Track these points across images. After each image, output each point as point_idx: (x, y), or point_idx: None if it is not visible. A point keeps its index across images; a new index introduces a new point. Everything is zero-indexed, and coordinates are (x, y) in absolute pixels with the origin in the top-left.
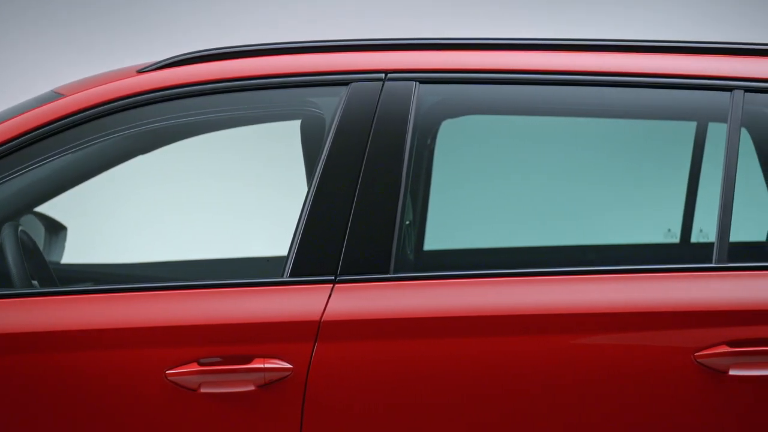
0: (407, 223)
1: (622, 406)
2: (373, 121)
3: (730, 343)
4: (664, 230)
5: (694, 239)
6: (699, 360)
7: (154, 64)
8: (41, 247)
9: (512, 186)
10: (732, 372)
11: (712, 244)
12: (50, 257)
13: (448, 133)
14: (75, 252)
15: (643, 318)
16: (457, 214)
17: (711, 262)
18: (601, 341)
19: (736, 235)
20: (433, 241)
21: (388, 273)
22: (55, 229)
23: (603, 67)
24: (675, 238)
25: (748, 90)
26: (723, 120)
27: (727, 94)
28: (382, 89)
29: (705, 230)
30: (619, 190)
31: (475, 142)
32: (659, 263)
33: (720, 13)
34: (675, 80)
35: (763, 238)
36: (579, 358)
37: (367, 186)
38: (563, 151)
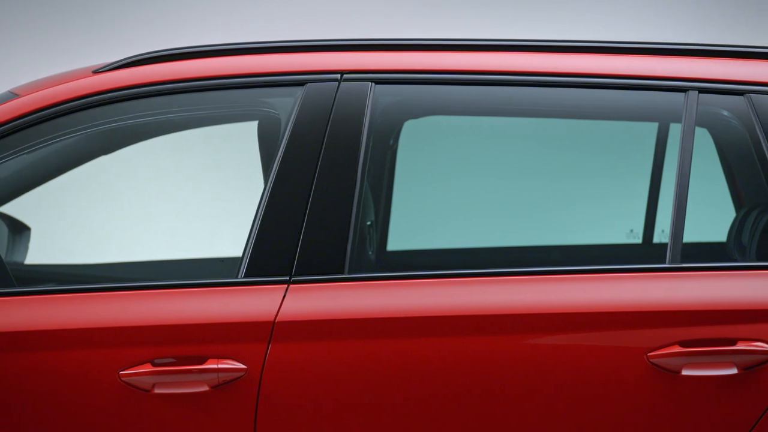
0: (368, 223)
1: (576, 405)
2: (328, 122)
3: (683, 343)
4: (627, 231)
5: (656, 240)
6: (652, 360)
7: (110, 64)
8: (5, 248)
9: (476, 187)
10: (684, 372)
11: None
12: (14, 258)
13: (411, 133)
14: (39, 252)
15: (597, 318)
16: (421, 214)
17: (665, 263)
18: (554, 341)
19: (699, 235)
20: (396, 242)
21: (342, 273)
22: (19, 230)
23: (559, 68)
24: (638, 239)
25: (702, 91)
26: (679, 120)
27: (682, 94)
28: (337, 90)
29: (667, 231)
30: (584, 191)
31: (439, 142)
32: (622, 264)
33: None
34: (630, 81)
35: (724, 238)
36: (533, 358)
37: (322, 186)
38: (527, 152)
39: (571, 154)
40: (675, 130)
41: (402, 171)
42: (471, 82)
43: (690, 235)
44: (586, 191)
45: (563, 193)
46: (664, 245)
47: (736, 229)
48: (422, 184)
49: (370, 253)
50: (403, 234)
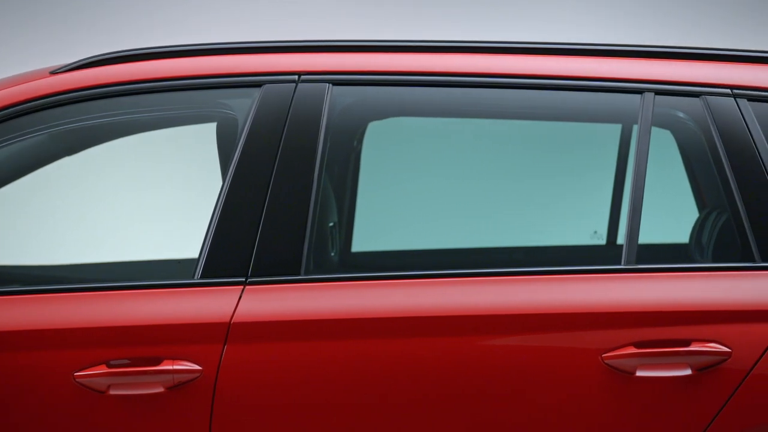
0: (331, 224)
1: (531, 406)
2: (285, 123)
3: (637, 344)
4: (591, 232)
5: (620, 241)
6: (607, 361)
7: (68, 65)
8: None
9: (442, 188)
10: (639, 373)
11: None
12: None
13: (376, 135)
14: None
15: (552, 319)
16: (387, 215)
17: (621, 264)
18: (510, 342)
19: (661, 236)
20: (361, 243)
21: (299, 274)
22: None
23: (515, 70)
24: (602, 240)
25: (658, 92)
26: (636, 122)
27: (638, 96)
28: (295, 91)
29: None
30: (549, 192)
31: (404, 144)
32: (586, 265)
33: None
34: (588, 83)
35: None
36: (488, 359)
37: (279, 188)
38: (492, 154)
39: (536, 155)
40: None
41: (367, 172)
42: (430, 84)
43: (661, 237)
44: (551, 192)
45: (528, 195)
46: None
47: (696, 230)
48: (388, 185)
49: (332, 254)
50: (369, 235)
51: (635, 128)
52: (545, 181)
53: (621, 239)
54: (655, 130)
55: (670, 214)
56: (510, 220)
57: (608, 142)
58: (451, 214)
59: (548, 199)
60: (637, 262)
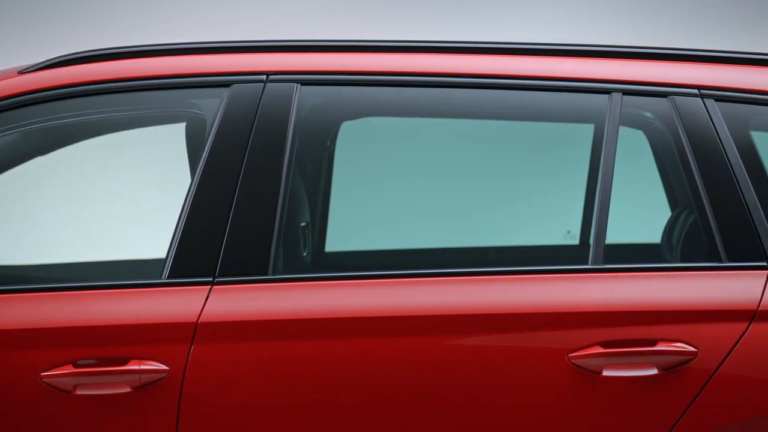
0: (303, 224)
1: (497, 406)
2: (253, 123)
3: (604, 344)
4: (564, 232)
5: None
6: (573, 361)
7: (36, 65)
8: None
9: (416, 188)
10: (605, 372)
11: (609, 245)
12: None
13: (350, 135)
14: None
15: (519, 319)
16: (361, 215)
17: (588, 263)
18: (476, 342)
19: (637, 236)
20: (335, 243)
21: (266, 274)
22: None
23: (483, 70)
24: (575, 240)
25: (626, 93)
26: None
27: (606, 96)
28: (263, 91)
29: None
30: (522, 192)
31: (378, 143)
32: (560, 265)
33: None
34: (558, 83)
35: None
36: (454, 359)
37: (247, 188)
38: (467, 154)
39: (510, 155)
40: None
41: (340, 172)
42: (399, 84)
43: (638, 237)
44: (524, 192)
45: (502, 195)
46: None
47: (667, 230)
48: (362, 185)
49: (305, 254)
50: (342, 235)
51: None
52: (519, 181)
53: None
54: (627, 130)
55: (646, 214)
56: (484, 220)
57: (582, 142)
58: (425, 214)
59: (522, 199)
60: (606, 262)
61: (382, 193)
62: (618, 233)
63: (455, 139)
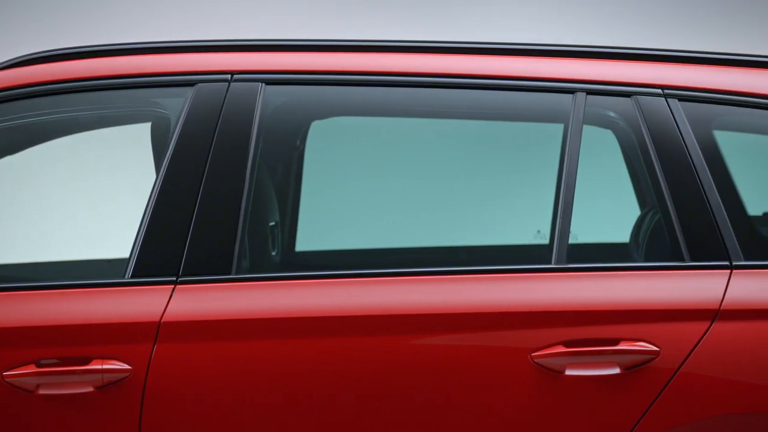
0: (272, 224)
1: (460, 406)
2: (217, 122)
3: (567, 343)
4: (534, 232)
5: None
6: (536, 360)
7: (1, 63)
8: None
9: (387, 187)
10: (568, 372)
11: (578, 245)
12: None
13: (320, 134)
14: None
15: (482, 318)
16: (332, 215)
17: (550, 263)
18: (439, 342)
19: (605, 235)
20: (305, 242)
21: (229, 274)
22: None
23: (447, 69)
24: (545, 240)
25: (590, 92)
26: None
27: (570, 96)
28: (227, 90)
29: (574, 232)
30: (493, 192)
31: (348, 143)
32: (529, 264)
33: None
34: (521, 83)
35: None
36: (418, 359)
37: (210, 187)
38: (439, 153)
39: (481, 155)
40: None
41: (311, 172)
42: (364, 83)
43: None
44: (495, 192)
45: (473, 194)
46: (570, 246)
47: (635, 229)
48: (332, 184)
49: (274, 253)
50: (313, 235)
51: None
52: (490, 181)
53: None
54: (597, 129)
55: (618, 213)
56: (455, 219)
57: (552, 141)
58: (396, 213)
59: (493, 199)
60: (569, 261)
61: (352, 193)
62: (591, 232)
63: (426, 138)
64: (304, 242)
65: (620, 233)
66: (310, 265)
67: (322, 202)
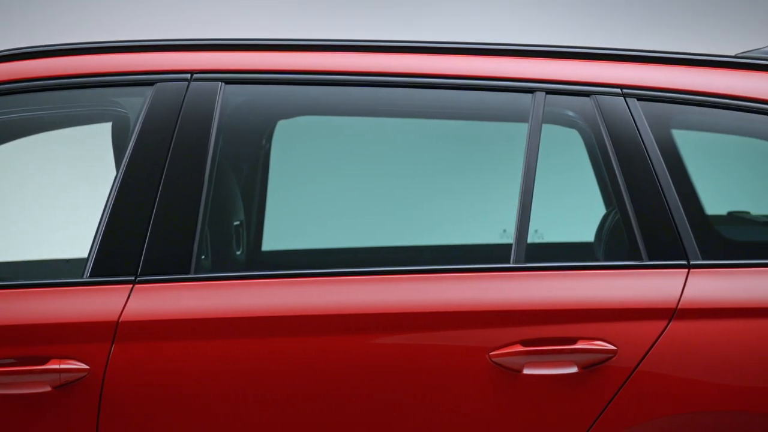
0: (237, 223)
1: (419, 405)
2: (177, 122)
3: (524, 342)
4: (500, 231)
5: (529, 240)
6: (494, 359)
7: None
8: None
9: (355, 187)
10: (526, 371)
11: (544, 244)
12: None
13: (286, 133)
14: None
15: (440, 318)
16: (299, 214)
17: (509, 262)
18: (398, 341)
19: (567, 235)
20: (271, 242)
21: (188, 273)
22: None
23: (407, 69)
24: (510, 239)
25: (549, 92)
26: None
27: (529, 95)
28: (187, 89)
29: (539, 231)
30: (460, 191)
31: (315, 142)
32: (495, 263)
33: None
34: (480, 82)
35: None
36: (376, 358)
37: (169, 186)
38: (406, 153)
39: (448, 154)
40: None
41: (277, 171)
42: (323, 83)
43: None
44: (462, 191)
45: (439, 193)
46: (536, 245)
47: (598, 229)
48: (299, 183)
49: (239, 253)
50: (279, 234)
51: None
52: (456, 180)
53: (530, 238)
54: (563, 129)
55: (585, 212)
56: (421, 218)
57: (517, 141)
58: (365, 213)
59: (459, 198)
60: (528, 260)
61: (319, 192)
62: (559, 231)
63: (392, 138)
64: (271, 242)
65: (588, 232)
66: (277, 265)
67: (289, 201)
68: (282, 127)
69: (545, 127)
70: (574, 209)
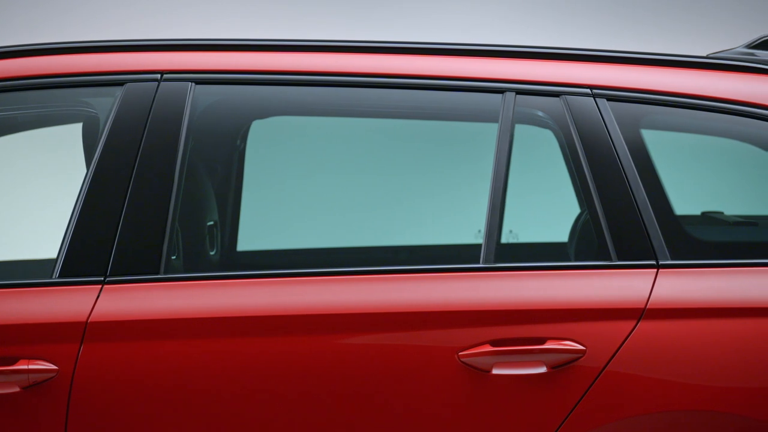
0: (211, 223)
1: (388, 405)
2: (146, 122)
3: (493, 342)
4: (475, 231)
5: (504, 240)
6: (463, 359)
7: None
8: None
9: (331, 187)
10: (495, 371)
11: (519, 244)
12: None
13: (261, 133)
14: None
15: (410, 318)
16: (274, 214)
17: (479, 263)
18: (367, 341)
19: (543, 235)
20: (246, 242)
21: (158, 273)
22: None
23: (376, 69)
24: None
25: (519, 92)
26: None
27: (500, 96)
28: (157, 90)
29: (514, 231)
30: (435, 191)
31: (290, 142)
32: (471, 263)
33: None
34: (451, 82)
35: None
36: (346, 358)
37: (139, 187)
38: (384, 153)
39: (422, 154)
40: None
41: (252, 171)
42: (292, 83)
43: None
44: (437, 191)
45: (414, 193)
46: (511, 245)
47: (571, 229)
48: (274, 184)
49: (212, 253)
50: (255, 234)
51: (517, 127)
52: (430, 180)
53: (504, 238)
54: (538, 130)
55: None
56: (396, 218)
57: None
58: (340, 213)
59: (435, 198)
60: (497, 261)
61: (296, 192)
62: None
63: (370, 138)
64: (246, 242)
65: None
66: (252, 265)
67: (264, 201)
68: (257, 128)
69: (522, 127)
70: (549, 210)
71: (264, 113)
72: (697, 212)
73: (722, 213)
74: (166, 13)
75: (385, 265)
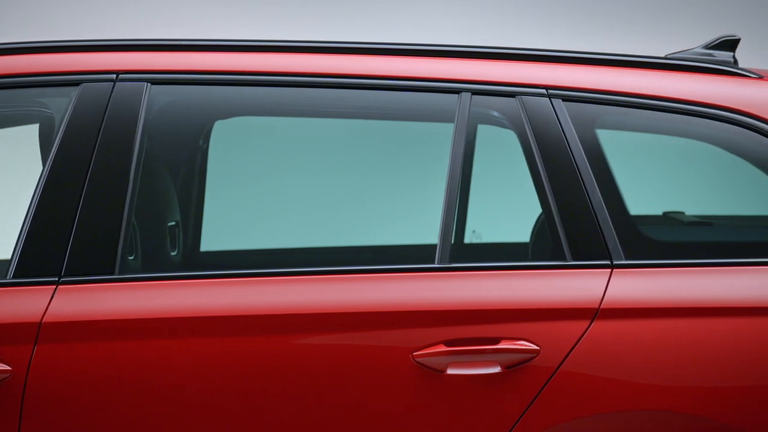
0: (172, 224)
1: (342, 405)
2: (102, 122)
3: (448, 343)
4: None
5: (467, 240)
6: (417, 359)
7: None
8: None
9: (292, 187)
10: (449, 371)
11: (482, 244)
12: None
13: (224, 133)
14: None
15: (364, 318)
16: (239, 215)
17: (434, 263)
18: (321, 341)
19: (505, 235)
20: (210, 243)
21: (113, 274)
22: None
23: (331, 69)
24: (479, 239)
25: (475, 92)
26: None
27: (456, 96)
28: (112, 90)
29: (478, 231)
30: (399, 191)
31: (253, 143)
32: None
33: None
34: (407, 83)
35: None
36: (299, 358)
37: (94, 187)
38: (348, 153)
39: (385, 154)
40: (481, 131)
41: (216, 172)
42: (248, 83)
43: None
44: (400, 191)
45: (377, 193)
46: (474, 245)
47: (532, 230)
48: (238, 184)
49: (174, 253)
50: (218, 235)
51: (479, 128)
52: (393, 180)
53: (468, 238)
54: (499, 130)
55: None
56: (359, 219)
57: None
58: (307, 213)
59: (395, 198)
60: (452, 261)
61: (260, 192)
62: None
63: (331, 138)
64: (210, 242)
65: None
66: (215, 265)
67: (229, 201)
68: (220, 128)
69: (485, 127)
70: (511, 210)
71: (225, 113)
72: (660, 212)
73: (683, 213)
74: (140, 15)
75: (347, 265)
